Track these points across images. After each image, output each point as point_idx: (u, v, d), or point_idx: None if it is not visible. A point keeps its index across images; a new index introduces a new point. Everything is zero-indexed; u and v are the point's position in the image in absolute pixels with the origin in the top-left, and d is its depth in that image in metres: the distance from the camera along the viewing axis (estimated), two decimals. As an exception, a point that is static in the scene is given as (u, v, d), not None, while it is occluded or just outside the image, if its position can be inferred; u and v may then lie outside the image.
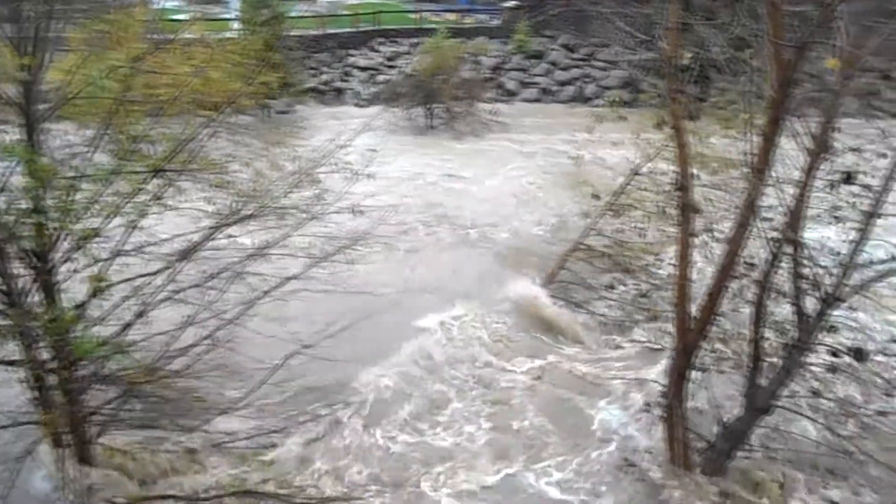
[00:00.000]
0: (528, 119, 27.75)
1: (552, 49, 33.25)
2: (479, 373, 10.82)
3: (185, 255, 7.71)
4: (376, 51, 34.11)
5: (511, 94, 31.30)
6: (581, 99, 30.32)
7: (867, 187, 7.66)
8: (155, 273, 7.52)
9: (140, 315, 7.41)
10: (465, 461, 9.08)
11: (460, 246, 15.71)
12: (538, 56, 32.96)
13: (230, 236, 8.04)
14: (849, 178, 7.32)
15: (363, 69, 32.74)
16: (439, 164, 21.90)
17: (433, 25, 33.26)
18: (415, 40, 33.05)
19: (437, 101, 26.74)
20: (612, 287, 11.13)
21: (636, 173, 10.69)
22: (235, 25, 28.93)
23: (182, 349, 7.70)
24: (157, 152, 7.53)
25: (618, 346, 10.98)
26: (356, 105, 30.05)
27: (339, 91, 31.31)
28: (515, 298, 12.46)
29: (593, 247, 12.03)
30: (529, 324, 11.97)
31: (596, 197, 11.62)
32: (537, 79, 32.01)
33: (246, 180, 8.39)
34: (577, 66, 32.21)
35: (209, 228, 7.83)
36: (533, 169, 21.22)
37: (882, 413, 8.58)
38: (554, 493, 8.67)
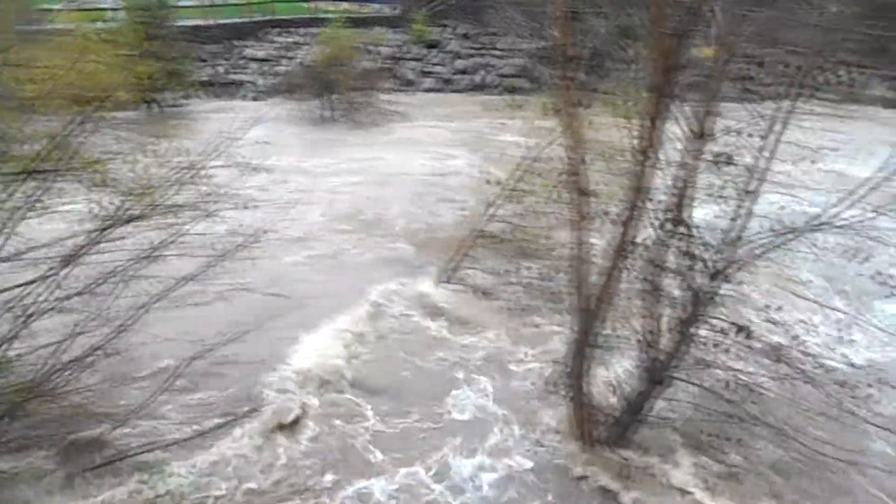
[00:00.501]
0: (429, 109, 27.85)
1: (450, 38, 33.48)
2: (385, 370, 10.78)
3: (69, 260, 7.26)
4: (271, 41, 33.27)
5: (410, 84, 31.32)
6: (481, 87, 30.71)
7: (747, 167, 8.17)
8: (35, 281, 7.05)
9: (21, 327, 6.93)
10: (365, 463, 8.95)
11: (363, 239, 15.57)
12: (436, 45, 33.11)
13: (118, 238, 7.64)
14: (728, 158, 7.74)
15: (258, 60, 31.88)
16: (339, 156, 21.64)
17: (329, 15, 32.73)
18: (312, 30, 32.44)
19: (335, 92, 26.39)
20: (514, 272, 11.37)
21: (532, 160, 10.93)
22: (113, 14, 27.45)
23: (70, 362, 7.27)
24: (31, 152, 7.05)
25: (522, 330, 11.22)
26: (252, 98, 29.22)
27: (234, 84, 30.38)
28: (419, 291, 12.50)
29: (494, 233, 12.24)
30: (434, 315, 12.04)
31: (493, 184, 11.80)
32: (436, 68, 32.17)
33: (132, 178, 7.98)
34: (475, 55, 32.58)
35: (94, 231, 7.41)
36: (435, 158, 21.31)
37: (767, 378, 9.15)
38: (463, 479, 8.74)
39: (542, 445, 9.19)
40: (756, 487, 8.55)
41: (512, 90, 26.24)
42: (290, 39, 33.16)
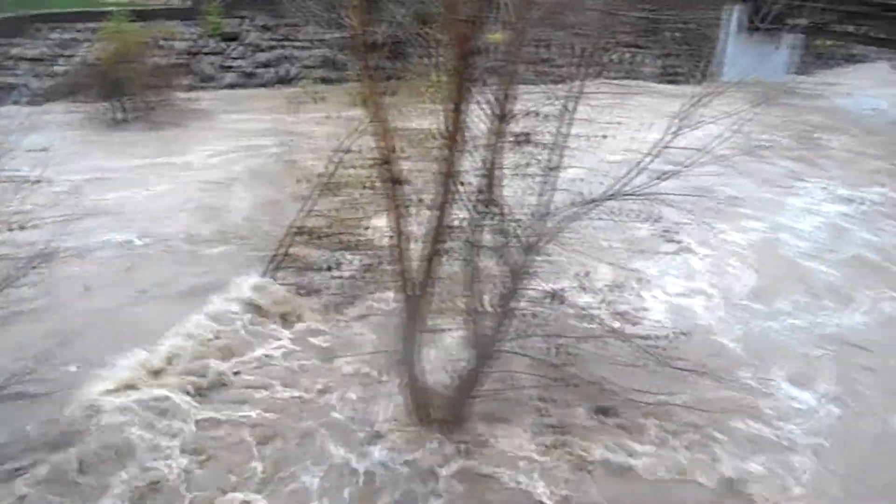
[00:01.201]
0: (232, 104, 26.60)
1: (249, 30, 32.10)
2: (209, 381, 10.19)
3: None
4: (45, 38, 29.89)
5: (210, 80, 29.66)
6: (285, 80, 29.81)
7: (548, 145, 8.64)
8: None
9: None
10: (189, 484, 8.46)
11: (172, 247, 14.53)
12: (235, 38, 31.60)
13: None
14: (527, 138, 8.10)
15: (30, 60, 28.52)
16: (135, 160, 19.93)
17: (111, 7, 29.99)
18: (91, 25, 29.56)
19: (126, 92, 24.30)
20: (337, 265, 11.20)
21: (345, 151, 10.79)
22: None
23: None
24: None
25: (350, 323, 11.12)
26: (27, 103, 26.10)
27: (1, 88, 26.97)
28: (240, 294, 11.92)
29: (313, 228, 11.97)
30: (259, 317, 11.57)
31: (305, 179, 11.52)
32: (237, 62, 30.72)
33: None
34: (277, 47, 31.53)
35: None
36: (242, 155, 20.41)
37: (581, 339, 9.82)
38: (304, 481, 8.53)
39: (379, 436, 9.15)
40: (578, 439, 9.16)
41: (318, 81, 25.74)
42: (66, 36, 30.02)
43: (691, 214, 8.99)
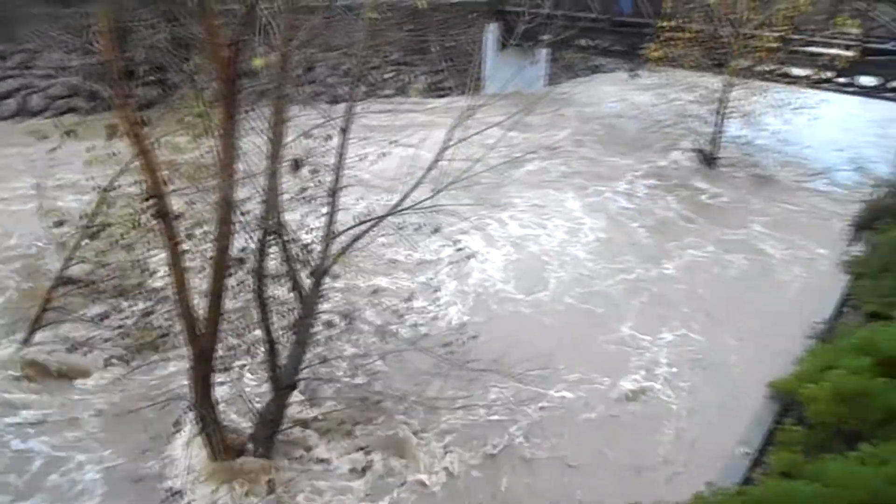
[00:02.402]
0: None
1: (-25, 59, 28.29)
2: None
3: None
4: None
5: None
6: (26, 113, 26.54)
7: (328, 167, 8.62)
8: None
9: None
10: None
11: None
12: (-42, 69, 27.66)
13: None
14: (304, 161, 8.01)
15: None
16: None
17: None
18: None
19: None
20: (111, 314, 10.17)
21: (108, 188, 9.85)
22: None
23: None
24: None
25: (133, 374, 10.17)
26: None
27: None
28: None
29: (80, 277, 10.80)
30: (19, 382, 10.19)
31: (60, 224, 10.36)
32: (-38, 96, 26.88)
33: None
34: (13, 77, 28.07)
35: None
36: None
37: (381, 355, 9.92)
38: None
39: (178, 494, 8.45)
40: (383, 449, 9.19)
41: (66, 112, 23.33)
42: None
43: (471, 222, 9.47)
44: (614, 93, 34.39)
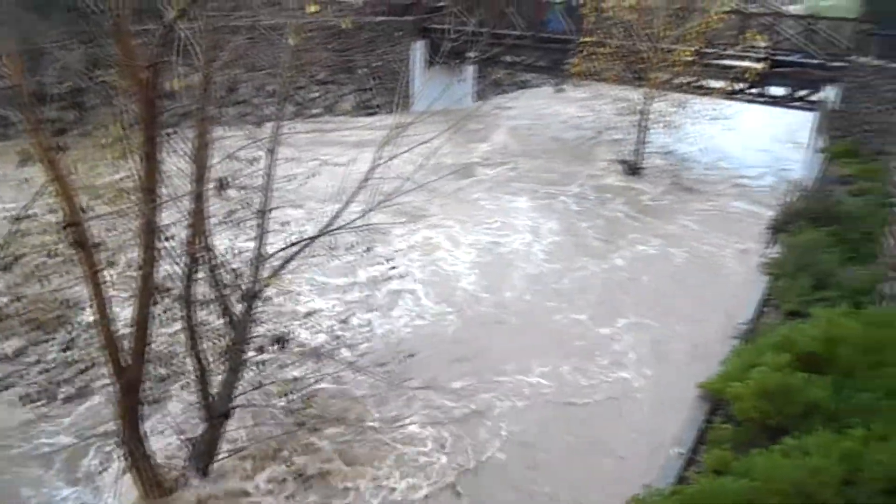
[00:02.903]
0: None
1: None
2: None
3: None
4: None
5: None
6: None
7: (256, 188, 8.47)
8: None
9: None
10: None
11: None
12: None
13: None
14: (229, 183, 7.85)
15: None
16: None
17: None
18: None
19: None
20: (28, 349, 9.66)
21: (19, 217, 9.38)
22: None
23: None
24: None
25: (54, 413, 9.69)
26: None
27: None
28: None
29: (-7, 311, 10.21)
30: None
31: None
32: None
33: None
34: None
35: None
36: None
37: (318, 378, 9.75)
38: None
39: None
40: (321, 476, 9.02)
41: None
42: None
43: (404, 238, 9.45)
44: (541, 107, 35.12)
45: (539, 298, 14.31)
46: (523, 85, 41.89)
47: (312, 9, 7.23)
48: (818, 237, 13.75)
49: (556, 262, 16.34)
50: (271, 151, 8.27)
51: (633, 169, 24.24)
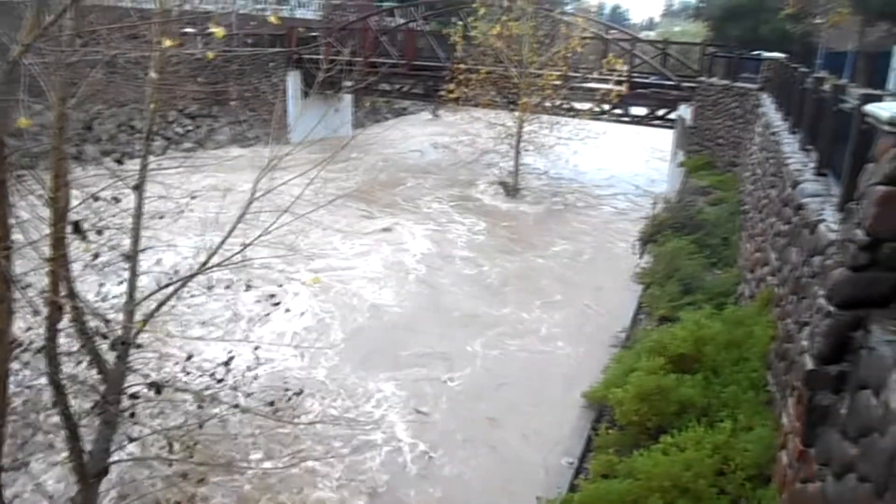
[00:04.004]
0: None
1: None
2: None
3: None
4: None
5: None
6: None
7: (122, 229, 8.03)
8: None
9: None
10: None
11: None
12: None
13: None
14: (76, 227, 7.40)
15: None
16: None
17: None
18: None
19: None
20: None
21: None
22: None
23: None
24: None
25: None
26: None
27: None
28: None
29: None
30: None
31: None
32: None
33: None
34: None
35: None
36: None
37: (202, 423, 9.31)
38: None
39: None
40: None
41: None
42: None
43: (286, 273, 9.27)
44: (418, 133, 35.70)
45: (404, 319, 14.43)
46: (401, 112, 42.47)
47: (167, 43, 6.98)
48: (683, 245, 14.72)
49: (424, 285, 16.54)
50: (137, 189, 7.90)
51: (510, 190, 25.05)
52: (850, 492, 4.27)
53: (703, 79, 23.79)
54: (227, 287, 8.91)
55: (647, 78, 27.04)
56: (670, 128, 25.88)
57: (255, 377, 10.10)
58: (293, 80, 31.24)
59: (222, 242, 8.28)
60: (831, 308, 5.07)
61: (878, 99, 6.36)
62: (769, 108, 16.19)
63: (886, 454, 3.75)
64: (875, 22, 25.42)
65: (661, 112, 26.32)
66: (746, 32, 38.92)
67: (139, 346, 7.93)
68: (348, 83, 28.10)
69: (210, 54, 9.03)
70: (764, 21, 38.92)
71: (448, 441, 10.41)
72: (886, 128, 4.66)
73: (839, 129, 8.01)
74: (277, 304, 9.99)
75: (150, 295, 8.05)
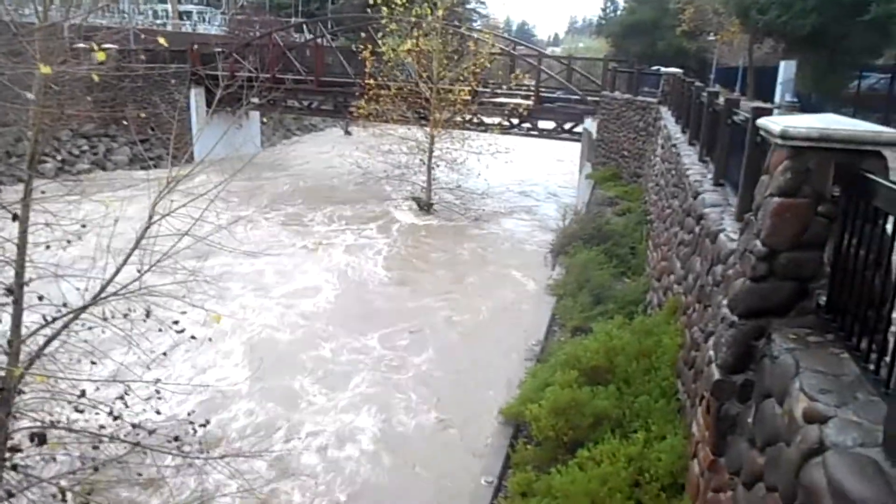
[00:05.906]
0: None
1: None
2: None
3: None
4: None
5: None
6: None
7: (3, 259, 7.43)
8: None
9: None
10: None
11: None
12: None
13: None
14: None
15: None
16: None
17: None
18: None
19: None
20: None
21: None
22: None
23: None
24: None
25: None
26: None
27: None
28: None
29: None
30: None
31: None
32: None
33: None
34: None
35: None
36: None
37: (99, 465, 8.69)
38: None
39: None
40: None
41: None
42: None
43: (186, 300, 8.78)
44: (329, 150, 35.28)
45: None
46: (312, 129, 41.86)
47: (44, 70, 6.48)
48: (593, 255, 15.03)
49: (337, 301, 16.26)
50: (17, 217, 7.31)
51: (424, 205, 25.01)
52: (759, 501, 4.33)
53: (606, 93, 24.55)
54: (126, 317, 8.37)
55: (553, 93, 27.72)
56: (577, 141, 26.54)
57: (158, 412, 9.56)
58: (196, 98, 30.23)
59: (117, 271, 7.82)
60: (734, 318, 5.18)
61: (769, 112, 6.65)
62: (669, 121, 16.82)
63: (792, 463, 3.80)
64: (762, 39, 26.99)
65: (567, 126, 26.98)
66: (645, 48, 40.79)
67: (20, 390, 7.32)
68: (254, 99, 27.42)
69: (96, 75, 8.50)
70: (661, 38, 40.92)
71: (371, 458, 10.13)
72: (779, 141, 4.80)
73: (733, 141, 8.35)
74: (182, 331, 9.48)
75: (35, 331, 7.47)
